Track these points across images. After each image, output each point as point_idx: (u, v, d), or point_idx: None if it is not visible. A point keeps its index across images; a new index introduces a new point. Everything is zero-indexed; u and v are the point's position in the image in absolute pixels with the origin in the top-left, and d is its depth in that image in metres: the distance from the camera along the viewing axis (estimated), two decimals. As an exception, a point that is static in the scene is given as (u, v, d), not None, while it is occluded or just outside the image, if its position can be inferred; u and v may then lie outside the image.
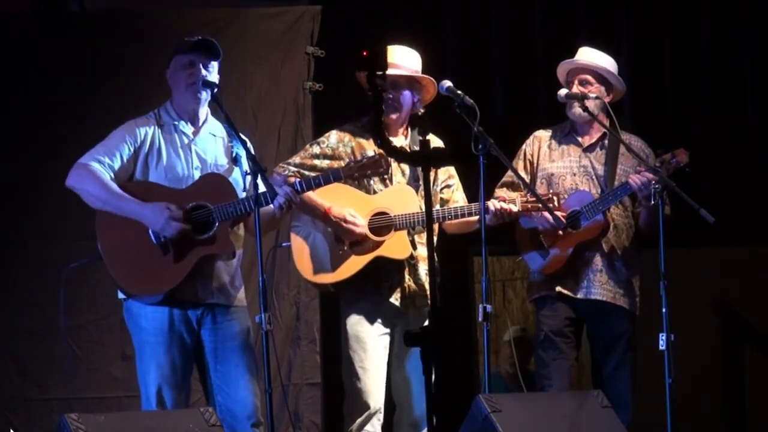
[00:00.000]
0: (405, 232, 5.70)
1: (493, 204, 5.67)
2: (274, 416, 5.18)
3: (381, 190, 5.76)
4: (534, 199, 5.76)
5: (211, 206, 5.32)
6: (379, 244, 5.68)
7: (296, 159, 5.76)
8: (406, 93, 5.77)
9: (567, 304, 6.17)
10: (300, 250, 5.73)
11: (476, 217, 5.68)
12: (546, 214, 5.90)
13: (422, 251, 5.76)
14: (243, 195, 5.36)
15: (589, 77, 6.18)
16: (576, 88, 6.16)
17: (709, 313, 7.46)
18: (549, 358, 6.15)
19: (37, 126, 6.68)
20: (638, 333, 6.20)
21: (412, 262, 5.76)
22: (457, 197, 5.90)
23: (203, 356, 5.44)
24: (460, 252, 7.45)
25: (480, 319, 5.38)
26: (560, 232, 6.05)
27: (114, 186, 5.33)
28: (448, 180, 5.90)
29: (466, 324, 7.45)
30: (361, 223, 5.65)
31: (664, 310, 5.66)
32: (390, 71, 5.63)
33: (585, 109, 6.08)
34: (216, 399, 5.41)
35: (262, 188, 5.25)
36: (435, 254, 5.81)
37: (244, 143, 5.30)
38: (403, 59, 5.78)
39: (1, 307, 6.60)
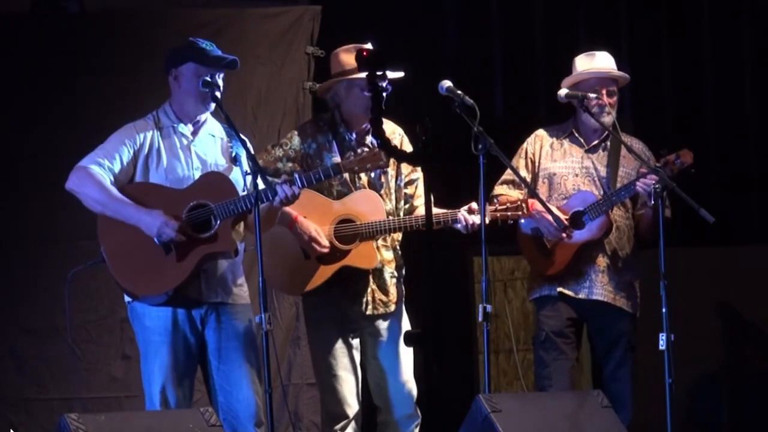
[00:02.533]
0: (372, 241, 5.66)
1: (464, 218, 5.62)
2: (274, 416, 5.18)
3: (344, 192, 5.69)
4: (503, 207, 5.69)
5: (211, 204, 5.32)
6: (345, 254, 5.62)
7: (259, 162, 5.71)
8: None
9: (568, 304, 6.17)
10: (266, 259, 5.63)
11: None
12: (547, 215, 5.89)
13: (386, 254, 5.75)
14: (243, 194, 5.36)
15: (615, 88, 6.19)
16: (605, 99, 6.12)
17: (709, 313, 7.45)
18: (550, 359, 6.15)
19: (36, 126, 6.68)
20: (638, 333, 6.21)
21: (377, 266, 5.72)
22: (420, 192, 5.81)
23: (206, 356, 5.45)
24: (460, 252, 7.45)
25: (480, 319, 5.38)
26: (564, 236, 6.04)
27: (113, 190, 5.32)
28: (411, 174, 5.81)
29: (466, 324, 7.45)
30: (324, 243, 5.59)
31: (664, 310, 5.66)
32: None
33: (586, 109, 6.07)
34: (218, 399, 5.41)
35: (261, 187, 5.25)
36: (400, 253, 5.82)
37: (243, 143, 5.30)
38: None
39: (1, 307, 6.61)
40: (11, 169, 6.67)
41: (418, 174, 5.81)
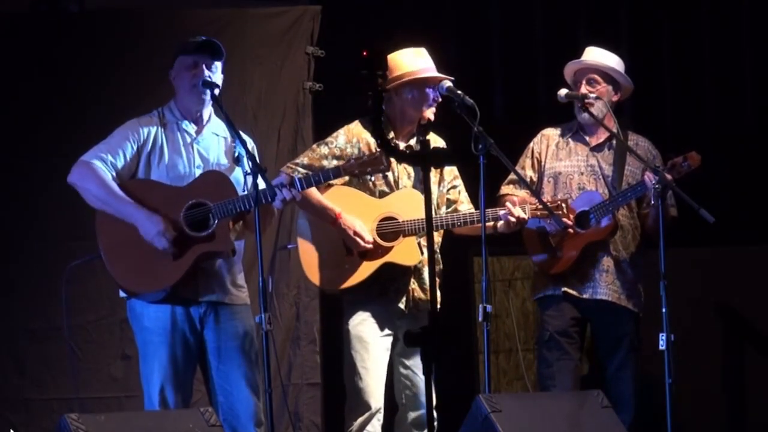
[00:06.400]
0: (414, 237, 5.70)
1: (507, 222, 5.66)
2: (274, 416, 5.18)
3: (387, 193, 5.74)
4: (542, 206, 5.73)
5: (210, 204, 5.32)
6: (388, 250, 5.66)
7: (304, 160, 5.73)
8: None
9: (572, 304, 6.16)
10: (308, 255, 5.70)
11: (489, 224, 5.68)
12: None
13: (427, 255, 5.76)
14: (243, 194, 5.36)
15: (596, 77, 6.18)
16: (584, 88, 6.15)
17: (709, 313, 7.45)
18: (553, 358, 6.14)
19: (36, 126, 6.68)
20: (639, 333, 6.20)
21: (418, 266, 5.75)
22: (463, 198, 5.91)
23: (206, 356, 5.45)
24: (460, 252, 7.45)
25: (480, 319, 5.38)
26: (570, 231, 6.04)
27: (115, 187, 5.33)
28: (453, 181, 5.89)
29: (467, 324, 7.45)
30: (368, 238, 5.63)
31: (664, 310, 5.66)
32: (433, 73, 5.67)
33: (586, 109, 6.08)
34: (218, 399, 5.42)
35: (262, 186, 5.25)
36: (440, 257, 5.84)
37: (244, 143, 5.30)
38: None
39: (1, 307, 6.61)
40: (11, 169, 6.67)
41: (460, 181, 5.88)
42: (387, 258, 5.67)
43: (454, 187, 5.89)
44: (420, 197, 5.70)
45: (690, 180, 5.99)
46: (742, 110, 8.00)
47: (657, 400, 5.67)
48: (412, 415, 5.79)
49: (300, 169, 5.65)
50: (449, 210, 5.86)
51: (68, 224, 6.47)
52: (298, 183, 5.37)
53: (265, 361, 5.09)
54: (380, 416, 5.75)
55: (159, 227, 5.28)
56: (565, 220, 5.87)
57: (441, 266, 5.85)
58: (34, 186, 6.62)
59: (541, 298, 6.25)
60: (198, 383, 5.55)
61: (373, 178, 5.70)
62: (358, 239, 5.61)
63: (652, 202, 5.86)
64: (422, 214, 5.63)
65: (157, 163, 5.42)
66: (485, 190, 5.46)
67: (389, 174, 5.74)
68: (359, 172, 5.48)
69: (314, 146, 5.83)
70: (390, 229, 5.68)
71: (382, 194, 5.74)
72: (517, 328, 7.80)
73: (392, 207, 5.70)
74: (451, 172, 5.88)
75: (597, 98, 6.15)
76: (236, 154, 5.42)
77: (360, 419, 5.69)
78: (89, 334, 6.65)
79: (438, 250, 5.84)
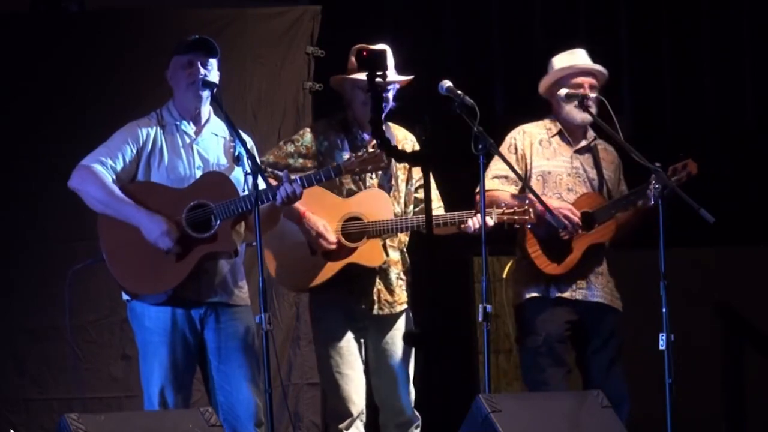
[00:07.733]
0: (379, 239, 5.66)
1: (472, 223, 5.62)
2: (274, 416, 5.17)
3: (354, 192, 5.71)
4: (510, 210, 5.68)
5: (212, 204, 5.32)
6: (352, 251, 5.63)
7: (270, 158, 5.71)
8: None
9: (565, 306, 6.12)
10: (273, 254, 5.69)
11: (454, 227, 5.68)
12: (563, 211, 5.89)
13: (393, 255, 5.75)
14: (244, 194, 5.37)
15: (595, 82, 6.16)
16: (586, 90, 6.11)
17: (709, 313, 7.46)
18: (546, 364, 6.08)
19: (36, 126, 6.69)
20: (637, 333, 6.20)
21: (383, 266, 5.72)
22: (433, 196, 5.83)
23: (206, 356, 5.45)
24: (460, 252, 7.45)
25: (480, 319, 5.38)
26: (580, 231, 6.03)
27: (115, 189, 5.33)
28: (421, 180, 5.82)
29: (466, 324, 7.45)
30: (331, 239, 5.60)
31: (664, 310, 5.65)
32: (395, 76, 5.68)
33: (586, 109, 6.07)
34: (218, 399, 5.42)
35: (262, 186, 5.26)
36: (407, 256, 5.82)
37: (244, 143, 5.30)
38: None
39: (1, 307, 6.61)
40: (11, 169, 6.67)
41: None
42: (350, 258, 5.63)
43: (422, 186, 5.83)
44: (385, 197, 5.68)
45: (690, 180, 6.00)
46: (742, 110, 8.00)
47: (657, 400, 5.67)
48: (396, 416, 5.77)
49: (266, 167, 5.65)
50: (417, 209, 5.83)
51: (68, 224, 6.48)
52: (299, 180, 5.37)
53: (265, 361, 5.09)
54: (363, 417, 5.74)
55: (162, 228, 5.28)
56: (573, 217, 5.88)
57: (408, 265, 5.83)
58: (35, 186, 6.62)
59: (533, 299, 6.16)
60: (198, 383, 5.55)
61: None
62: (321, 240, 5.59)
63: (652, 202, 5.85)
64: (387, 216, 5.62)
65: (157, 165, 5.42)
66: (485, 190, 5.46)
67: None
68: (360, 170, 5.48)
69: (281, 144, 5.82)
70: (355, 230, 5.65)
71: (350, 193, 5.71)
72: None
73: (358, 207, 5.66)
74: (419, 170, 5.80)
75: (597, 98, 6.14)
76: (236, 154, 5.42)
77: (341, 425, 5.69)
78: (89, 334, 6.65)
79: (405, 249, 5.82)
